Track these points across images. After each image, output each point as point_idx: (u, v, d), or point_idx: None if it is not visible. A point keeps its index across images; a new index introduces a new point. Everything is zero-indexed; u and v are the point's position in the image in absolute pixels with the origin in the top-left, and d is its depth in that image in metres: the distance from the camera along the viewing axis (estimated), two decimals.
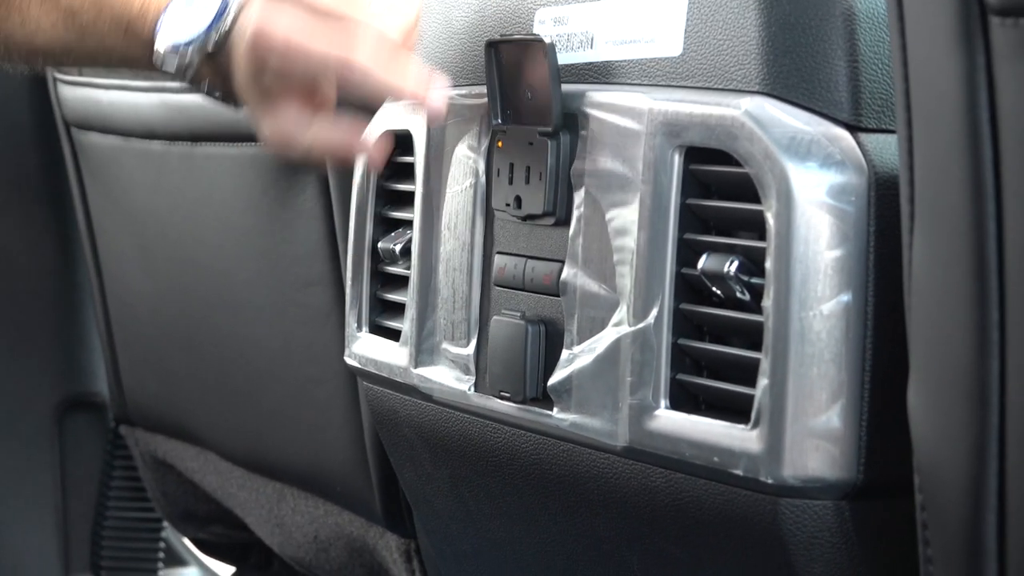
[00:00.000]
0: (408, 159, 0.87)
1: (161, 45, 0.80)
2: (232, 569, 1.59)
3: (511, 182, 0.78)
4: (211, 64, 0.80)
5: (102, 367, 1.47)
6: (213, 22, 0.79)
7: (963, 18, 0.56)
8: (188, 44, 0.79)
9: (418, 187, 0.86)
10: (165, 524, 1.57)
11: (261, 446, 1.21)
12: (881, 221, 0.65)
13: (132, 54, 0.83)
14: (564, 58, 0.78)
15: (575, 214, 0.75)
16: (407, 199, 0.88)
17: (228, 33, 0.78)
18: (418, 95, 0.79)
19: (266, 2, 0.78)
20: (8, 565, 1.56)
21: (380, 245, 0.90)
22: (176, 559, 1.63)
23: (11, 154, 1.45)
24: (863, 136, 0.66)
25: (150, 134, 1.19)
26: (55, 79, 1.36)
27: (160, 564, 1.63)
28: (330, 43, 0.76)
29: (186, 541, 1.58)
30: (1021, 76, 0.54)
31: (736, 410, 0.68)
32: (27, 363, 1.53)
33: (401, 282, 0.89)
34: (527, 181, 0.77)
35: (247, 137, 1.09)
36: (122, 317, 1.37)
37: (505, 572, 0.94)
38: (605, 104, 0.73)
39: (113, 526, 1.60)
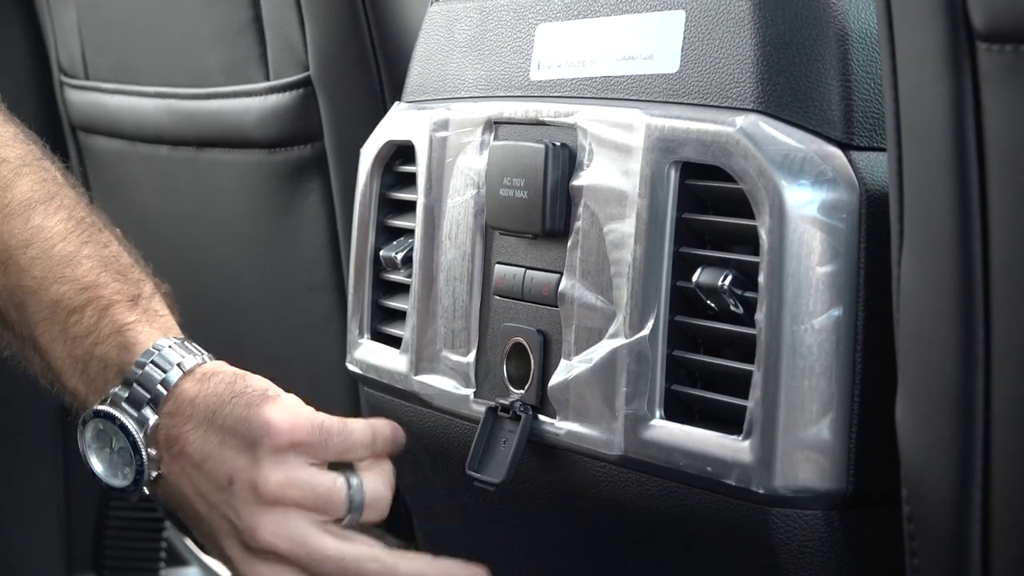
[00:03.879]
0: (410, 168, 0.88)
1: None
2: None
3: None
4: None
5: None
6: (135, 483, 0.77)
7: (951, 43, 0.56)
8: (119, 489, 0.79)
9: (420, 197, 0.87)
10: (167, 524, 1.56)
11: None
12: (872, 238, 0.66)
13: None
14: (563, 73, 0.79)
15: (573, 227, 0.76)
16: (409, 208, 0.89)
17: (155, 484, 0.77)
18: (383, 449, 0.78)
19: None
20: (12, 564, 1.55)
21: (382, 253, 0.91)
22: (178, 559, 1.62)
23: None
24: (855, 154, 0.67)
25: (156, 139, 1.20)
26: (61, 83, 1.36)
27: (162, 564, 1.62)
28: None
29: (187, 541, 1.58)
30: (1007, 100, 0.55)
31: (729, 421, 0.69)
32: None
33: (402, 290, 0.90)
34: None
35: (251, 143, 1.11)
36: None
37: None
38: (603, 119, 0.74)
39: (116, 526, 1.58)
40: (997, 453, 0.57)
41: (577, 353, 0.75)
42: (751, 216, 0.67)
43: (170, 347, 0.77)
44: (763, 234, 0.66)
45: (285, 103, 1.06)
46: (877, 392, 0.65)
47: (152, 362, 0.77)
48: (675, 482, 0.71)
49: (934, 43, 0.57)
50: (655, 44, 0.74)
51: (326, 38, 1.02)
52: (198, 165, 1.16)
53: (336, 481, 0.76)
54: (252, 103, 1.09)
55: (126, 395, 0.77)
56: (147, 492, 0.78)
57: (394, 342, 0.90)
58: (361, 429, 0.78)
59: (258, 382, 0.78)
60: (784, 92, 0.68)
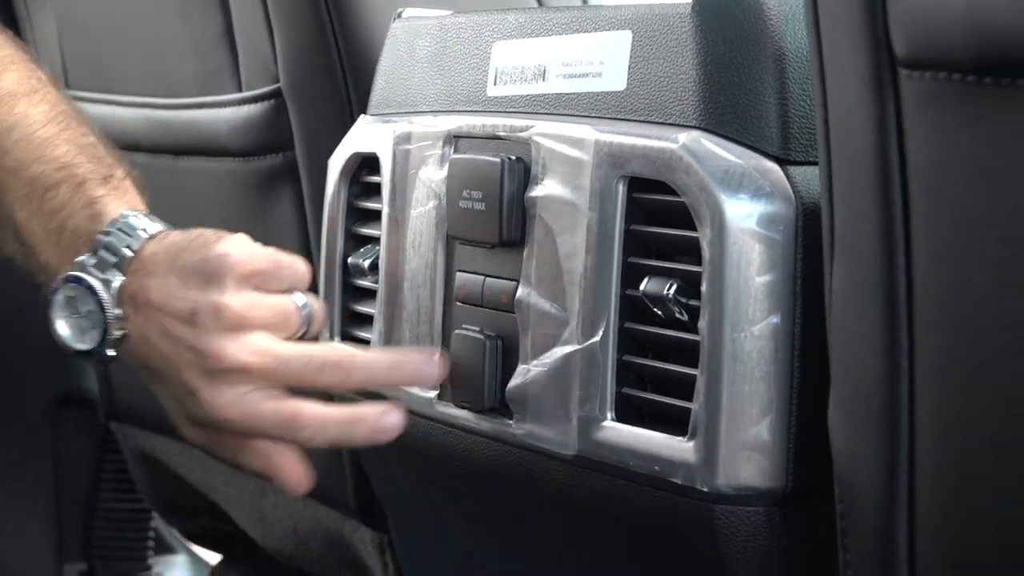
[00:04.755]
0: (376, 179, 0.89)
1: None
2: (219, 557, 1.57)
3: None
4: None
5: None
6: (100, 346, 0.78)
7: (875, 68, 0.57)
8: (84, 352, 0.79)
9: (384, 207, 0.87)
10: (154, 515, 1.56)
11: None
12: (808, 249, 0.67)
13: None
14: (518, 89, 0.80)
15: (528, 237, 0.77)
16: (375, 216, 0.89)
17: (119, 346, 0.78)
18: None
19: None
20: (4, 554, 1.54)
21: (350, 260, 0.91)
22: (165, 547, 1.62)
23: None
24: (792, 169, 0.68)
25: (134, 147, 1.18)
26: None
27: (150, 552, 1.62)
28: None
29: (174, 531, 1.58)
30: (927, 123, 0.56)
31: (676, 423, 0.70)
32: (22, 362, 1.51)
33: (370, 295, 0.90)
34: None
35: (225, 152, 1.11)
36: None
37: (470, 568, 0.95)
38: (555, 135, 0.75)
39: (104, 516, 1.58)
40: (921, 455, 0.58)
41: (533, 358, 0.76)
42: (694, 228, 0.68)
43: (135, 217, 0.80)
44: (705, 245, 0.67)
45: (256, 114, 1.06)
46: (814, 396, 0.65)
47: (119, 229, 0.79)
48: (626, 481, 0.72)
49: (860, 68, 0.57)
50: (604, 63, 0.74)
51: (295, 51, 1.02)
52: (176, 172, 1.16)
53: (290, 301, 0.79)
54: (225, 113, 1.09)
55: (93, 261, 0.78)
56: (112, 353, 0.79)
57: (363, 344, 0.90)
58: (303, 263, 0.81)
59: (212, 231, 0.80)
60: (724, 110, 0.69)
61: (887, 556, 0.60)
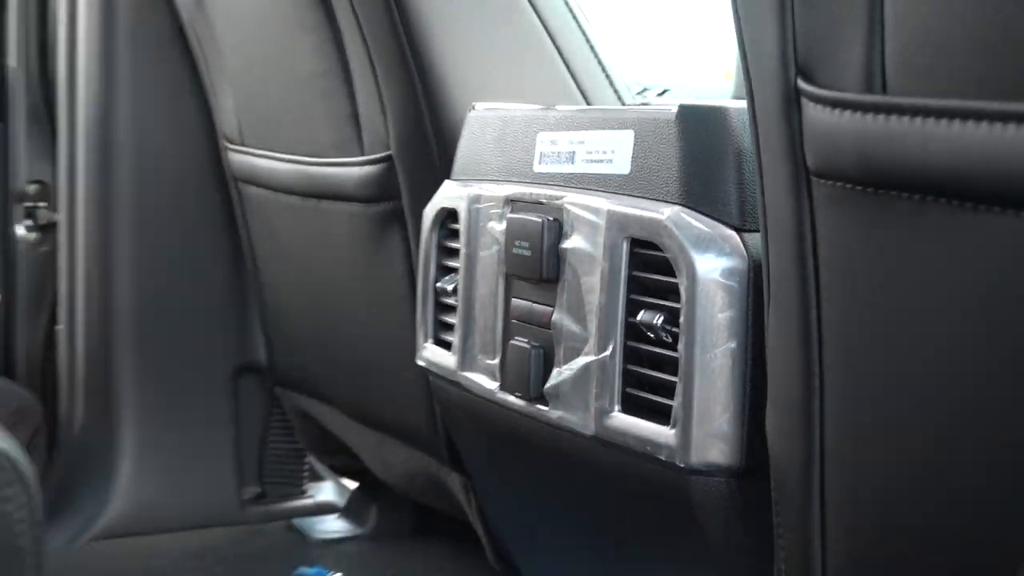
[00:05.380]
0: (457, 227, 0.90)
1: None
2: (355, 485, 1.56)
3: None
4: None
5: (263, 344, 1.46)
6: None
7: (794, 175, 0.58)
8: None
9: (462, 248, 0.88)
10: (308, 453, 1.55)
11: (369, 408, 1.22)
12: (756, 295, 0.67)
13: None
14: (555, 168, 0.81)
15: (561, 277, 0.78)
16: (456, 253, 0.90)
17: None
18: None
19: None
20: (201, 481, 1.51)
21: (438, 285, 0.92)
22: (316, 476, 1.60)
23: (197, 199, 1.44)
24: (746, 235, 0.69)
25: (289, 191, 1.20)
26: (224, 147, 1.35)
27: (306, 478, 1.59)
28: None
29: (322, 465, 1.56)
30: (832, 218, 0.56)
31: (663, 415, 0.71)
32: (210, 341, 1.49)
33: (452, 310, 0.91)
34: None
35: (353, 199, 1.10)
36: (275, 310, 1.37)
37: (525, 505, 0.97)
38: (580, 204, 0.77)
39: (272, 454, 1.56)
40: (829, 449, 0.59)
41: (564, 363, 0.77)
42: (675, 276, 0.69)
43: None
44: (682, 289, 0.69)
45: (374, 172, 1.06)
46: (761, 400, 0.66)
47: None
48: (627, 455, 0.73)
49: (785, 174, 0.58)
50: (615, 152, 0.76)
51: (401, 129, 1.02)
52: (319, 212, 1.16)
53: None
54: (352, 171, 1.09)
55: None
56: None
57: (447, 346, 0.92)
58: None
59: None
60: (698, 191, 0.70)
61: (805, 522, 0.61)
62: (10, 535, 0.77)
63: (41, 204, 1.56)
